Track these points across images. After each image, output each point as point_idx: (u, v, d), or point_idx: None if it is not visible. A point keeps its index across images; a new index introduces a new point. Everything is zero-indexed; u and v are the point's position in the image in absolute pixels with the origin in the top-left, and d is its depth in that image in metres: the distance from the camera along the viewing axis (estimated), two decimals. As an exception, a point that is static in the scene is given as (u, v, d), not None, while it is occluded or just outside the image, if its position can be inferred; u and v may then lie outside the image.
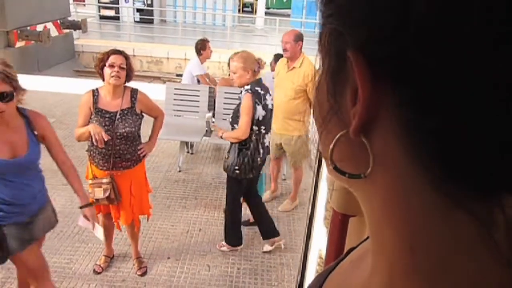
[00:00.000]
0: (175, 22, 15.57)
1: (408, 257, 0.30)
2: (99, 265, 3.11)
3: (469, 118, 0.23)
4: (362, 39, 0.27)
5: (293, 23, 14.23)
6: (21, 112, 2.17)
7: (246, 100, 2.96)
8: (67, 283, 2.94)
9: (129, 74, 2.75)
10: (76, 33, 10.98)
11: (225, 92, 4.96)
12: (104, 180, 2.79)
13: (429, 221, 0.28)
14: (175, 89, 5.11)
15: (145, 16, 15.15)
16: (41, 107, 5.90)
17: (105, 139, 2.66)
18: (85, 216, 2.51)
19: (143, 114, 2.90)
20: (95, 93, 2.77)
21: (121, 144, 2.77)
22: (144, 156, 2.97)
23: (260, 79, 3.14)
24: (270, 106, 3.18)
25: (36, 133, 2.19)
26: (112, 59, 2.67)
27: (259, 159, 3.12)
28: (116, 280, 3.02)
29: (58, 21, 10.00)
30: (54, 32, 9.48)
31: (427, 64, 0.24)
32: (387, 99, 0.27)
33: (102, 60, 2.69)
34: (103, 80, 2.74)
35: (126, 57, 2.75)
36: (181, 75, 6.26)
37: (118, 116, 2.72)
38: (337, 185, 1.05)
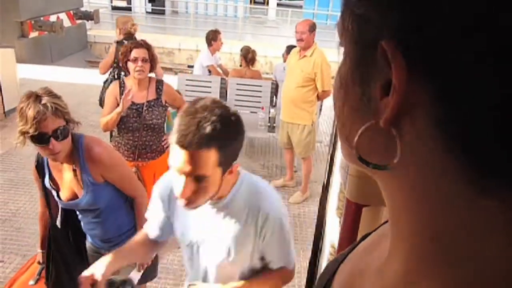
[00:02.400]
0: (187, 13, 15.57)
1: (427, 245, 0.30)
2: None
3: (504, 109, 0.24)
4: (397, 26, 0.27)
5: (306, 14, 14.10)
6: (76, 141, 1.78)
7: None
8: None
9: (153, 65, 2.79)
10: (88, 24, 11.04)
11: (237, 84, 4.96)
12: None
13: (455, 209, 0.28)
14: (187, 80, 5.12)
15: (157, 7, 15.18)
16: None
17: (132, 95, 2.67)
18: None
19: (167, 105, 2.94)
20: (121, 84, 2.82)
21: (147, 135, 2.80)
22: (168, 146, 2.97)
23: None
24: None
25: (91, 175, 1.78)
26: (134, 53, 2.70)
27: None
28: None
29: (71, 11, 10.07)
30: (67, 23, 9.55)
31: (466, 53, 0.24)
32: (422, 90, 0.26)
33: (125, 54, 2.73)
34: (128, 72, 2.79)
35: (148, 48, 2.76)
36: (192, 66, 6.26)
37: (145, 108, 2.75)
38: (351, 174, 1.04)
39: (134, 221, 1.98)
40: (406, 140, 0.28)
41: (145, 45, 2.77)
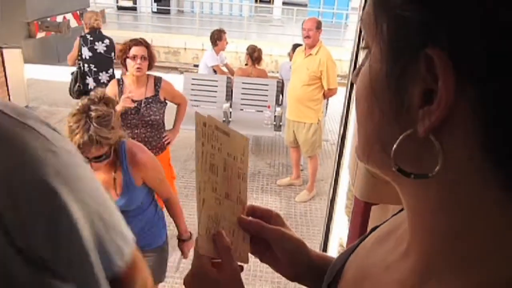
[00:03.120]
0: (193, 12, 15.59)
1: (451, 244, 0.30)
2: None
3: None
4: (449, 35, 0.26)
5: (311, 13, 14.06)
6: (119, 147, 1.81)
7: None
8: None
9: (151, 63, 2.82)
10: (95, 24, 11.08)
11: (243, 83, 4.95)
12: None
13: (486, 212, 0.28)
14: (193, 79, 5.12)
15: (163, 7, 15.20)
16: (61, 96, 6.00)
17: (132, 98, 2.72)
18: (182, 250, 2.32)
19: (166, 101, 2.97)
20: (120, 82, 2.87)
21: (146, 132, 2.85)
22: (168, 143, 3.04)
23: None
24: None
25: (133, 178, 1.84)
26: (133, 51, 2.72)
27: None
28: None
29: (78, 12, 10.12)
30: (73, 23, 9.60)
31: None
32: (465, 99, 0.26)
33: (124, 51, 2.76)
34: (127, 70, 2.82)
35: (147, 46, 2.80)
36: (198, 66, 6.27)
37: (143, 105, 2.79)
38: (360, 173, 1.03)
39: (159, 220, 2.11)
40: (445, 148, 0.28)
41: (144, 43, 2.79)
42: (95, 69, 4.20)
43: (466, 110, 0.27)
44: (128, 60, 2.75)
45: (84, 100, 1.67)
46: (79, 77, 4.28)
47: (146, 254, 2.00)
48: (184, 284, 0.55)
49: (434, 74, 0.26)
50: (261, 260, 0.62)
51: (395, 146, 0.30)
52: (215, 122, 0.56)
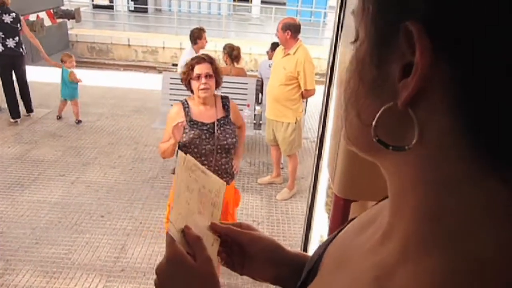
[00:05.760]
0: (170, 11, 15.42)
1: (428, 224, 0.31)
2: None
3: None
4: (425, 8, 0.27)
5: (289, 11, 14.13)
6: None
7: None
8: (66, 274, 2.94)
9: (218, 80, 2.50)
10: (69, 23, 10.85)
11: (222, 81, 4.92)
12: None
13: (459, 190, 0.29)
14: (171, 78, 5.07)
15: (140, 5, 14.99)
16: (37, 97, 5.85)
17: (182, 126, 2.36)
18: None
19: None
20: (185, 104, 2.50)
21: (222, 158, 2.46)
22: (236, 172, 2.67)
23: None
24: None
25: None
26: (197, 70, 2.41)
27: None
28: (115, 270, 3.02)
29: (51, 10, 9.87)
30: (47, 22, 9.36)
31: (492, 38, 0.24)
32: (442, 72, 0.27)
33: (188, 73, 2.44)
34: (192, 92, 2.50)
35: (211, 62, 2.47)
36: (176, 65, 6.21)
37: (216, 127, 2.43)
38: (339, 170, 1.04)
39: None
40: (421, 121, 0.29)
41: (207, 59, 2.47)
42: (3, 36, 5.20)
43: (442, 84, 0.27)
44: (192, 82, 2.43)
45: None
46: None
47: None
48: (156, 273, 0.55)
49: (413, 47, 0.27)
50: (241, 274, 0.64)
51: (376, 117, 0.31)
52: (194, 161, 0.66)
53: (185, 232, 0.57)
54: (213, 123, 2.43)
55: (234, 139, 2.48)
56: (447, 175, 0.29)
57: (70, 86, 5.53)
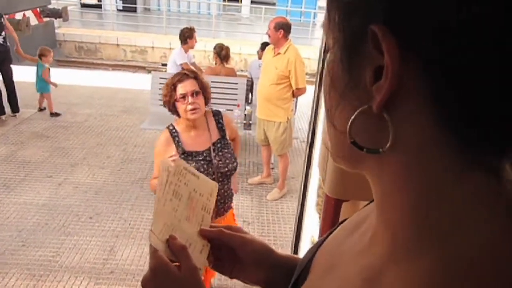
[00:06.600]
0: (159, 11, 15.34)
1: (415, 224, 0.31)
2: None
3: (495, 81, 0.25)
4: (386, 10, 0.27)
5: (279, 11, 14.13)
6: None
7: None
8: (54, 277, 2.90)
9: (206, 96, 2.16)
10: (57, 22, 10.72)
11: (212, 81, 4.89)
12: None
13: (443, 185, 0.29)
14: (161, 78, 5.03)
15: (128, 4, 14.88)
16: (23, 97, 5.76)
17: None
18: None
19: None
20: (173, 132, 2.14)
21: (223, 185, 2.18)
22: (235, 193, 2.43)
23: None
24: None
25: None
26: (180, 89, 2.07)
27: None
28: (104, 272, 2.99)
29: (38, 9, 9.74)
30: (34, 21, 9.23)
31: (455, 32, 0.25)
32: (412, 70, 0.27)
33: (170, 95, 2.10)
34: (178, 116, 2.16)
35: (195, 77, 2.14)
36: (166, 65, 6.17)
37: (213, 153, 2.12)
38: (329, 170, 1.03)
39: None
40: (397, 122, 0.29)
41: (191, 75, 2.14)
42: None
43: (413, 83, 0.27)
44: (177, 104, 2.08)
45: None
46: None
47: None
48: (142, 286, 0.55)
49: (380, 49, 0.27)
50: (230, 277, 0.64)
51: (350, 120, 0.32)
52: (184, 164, 0.65)
53: (169, 242, 0.57)
54: (209, 149, 2.13)
55: (235, 163, 2.19)
56: (429, 174, 0.29)
57: (41, 79, 5.66)
